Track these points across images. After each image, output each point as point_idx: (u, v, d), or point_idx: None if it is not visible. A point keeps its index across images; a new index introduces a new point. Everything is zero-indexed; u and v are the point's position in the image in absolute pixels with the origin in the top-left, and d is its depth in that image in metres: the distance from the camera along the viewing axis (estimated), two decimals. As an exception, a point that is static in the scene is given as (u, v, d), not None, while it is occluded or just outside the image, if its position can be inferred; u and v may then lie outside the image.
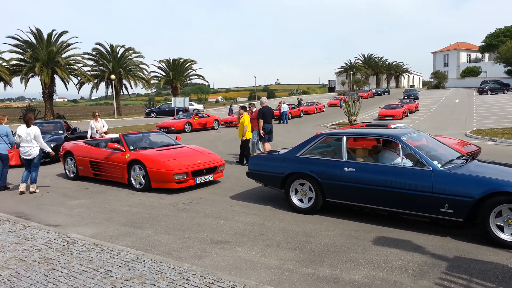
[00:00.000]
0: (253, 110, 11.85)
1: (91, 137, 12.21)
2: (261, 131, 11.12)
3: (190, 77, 56.31)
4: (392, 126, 10.43)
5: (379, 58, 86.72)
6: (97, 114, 12.92)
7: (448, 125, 23.19)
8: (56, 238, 5.22)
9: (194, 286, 3.74)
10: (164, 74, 52.83)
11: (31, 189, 8.33)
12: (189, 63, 53.82)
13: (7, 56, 47.62)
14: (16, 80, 38.67)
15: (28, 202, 7.66)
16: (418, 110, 34.91)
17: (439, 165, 5.35)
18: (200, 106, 44.64)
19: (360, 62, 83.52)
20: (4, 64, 36.88)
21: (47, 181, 9.52)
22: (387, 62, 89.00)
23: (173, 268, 4.18)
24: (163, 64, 52.55)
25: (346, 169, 5.91)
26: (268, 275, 4.20)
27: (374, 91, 63.01)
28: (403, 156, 5.67)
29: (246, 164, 10.81)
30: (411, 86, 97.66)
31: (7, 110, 71.41)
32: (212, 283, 3.80)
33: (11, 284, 3.82)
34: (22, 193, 8.26)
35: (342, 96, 39.53)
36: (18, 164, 8.40)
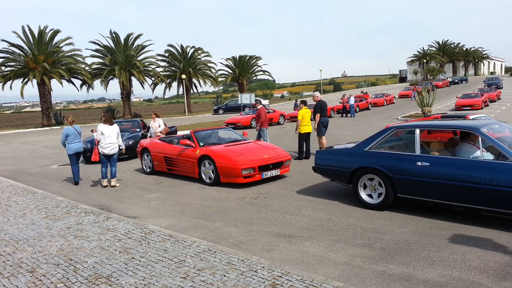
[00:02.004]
0: (258, 107, 12.15)
1: (150, 136, 12.51)
2: (315, 126, 11.33)
3: (256, 73, 56.89)
4: (471, 117, 9.74)
5: (455, 44, 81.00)
6: (152, 114, 13.10)
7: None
8: (135, 229, 5.60)
9: (263, 278, 3.82)
10: (230, 71, 53.98)
11: (112, 183, 9.01)
12: (254, 60, 54.41)
13: (89, 60, 51.65)
14: (97, 82, 41.80)
15: (109, 195, 8.29)
16: (500, 99, 32.17)
17: (525, 159, 4.91)
18: (265, 102, 45.01)
19: (434, 49, 78.61)
20: (87, 68, 40.04)
21: (126, 176, 10.22)
22: (464, 48, 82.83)
23: (242, 260, 4.29)
24: (230, 62, 53.70)
25: (419, 163, 5.63)
26: (336, 270, 4.15)
27: (450, 79, 59.09)
28: (483, 149, 5.28)
29: (299, 157, 11.10)
30: (492, 73, 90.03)
31: (90, 110, 77.59)
32: (280, 276, 3.84)
33: (96, 271, 4.18)
34: (105, 187, 8.97)
35: (415, 87, 37.52)
36: (97, 160, 9.11)
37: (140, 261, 4.41)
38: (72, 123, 9.31)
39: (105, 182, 9.02)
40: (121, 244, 4.99)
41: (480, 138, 5.28)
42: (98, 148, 8.92)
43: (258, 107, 12.24)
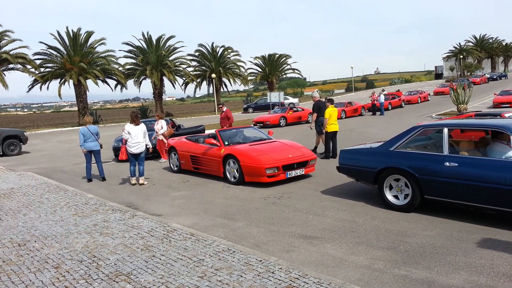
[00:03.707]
0: (223, 110, 12.50)
1: (154, 138, 12.28)
2: (312, 125, 11.76)
3: (286, 72, 56.69)
4: (507, 115, 9.27)
5: (494, 39, 77.59)
6: (156, 115, 12.79)
7: None
8: (158, 227, 5.69)
9: (279, 279, 3.78)
10: (260, 70, 54.01)
11: (140, 181, 9.21)
12: (284, 58, 54.21)
13: (122, 61, 52.99)
14: (130, 82, 42.95)
15: (137, 192, 8.48)
16: (543, 96, 30.44)
17: (562, 160, 4.62)
18: (295, 100, 44.73)
19: (472, 44, 75.62)
20: (120, 68, 41.16)
21: (154, 174, 10.42)
22: (503, 43, 79.18)
23: (260, 260, 4.27)
24: (259, 61, 53.73)
25: (447, 163, 5.41)
26: (356, 274, 4.05)
27: (488, 76, 56.66)
28: (517, 149, 5.01)
29: (326, 156, 11.08)
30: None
31: (125, 109, 79.77)
32: (297, 278, 3.79)
33: (117, 268, 4.28)
34: (133, 185, 9.18)
35: (451, 83, 36.21)
36: (126, 159, 9.39)
37: (160, 259, 4.47)
38: (86, 124, 9.75)
39: (133, 180, 9.23)
40: (144, 242, 5.08)
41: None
42: (126, 147, 9.18)
43: (224, 110, 12.65)
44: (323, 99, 12.85)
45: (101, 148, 9.85)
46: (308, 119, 24.60)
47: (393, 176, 6.10)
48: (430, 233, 5.06)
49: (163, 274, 4.06)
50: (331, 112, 11.10)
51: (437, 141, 5.93)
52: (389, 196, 6.18)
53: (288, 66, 55.27)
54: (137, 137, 8.99)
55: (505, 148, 5.34)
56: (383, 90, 29.47)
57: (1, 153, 16.50)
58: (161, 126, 12.33)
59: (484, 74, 58.53)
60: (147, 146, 9.29)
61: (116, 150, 12.89)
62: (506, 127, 5.17)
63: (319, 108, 11.47)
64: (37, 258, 4.69)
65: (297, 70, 57.08)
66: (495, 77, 56.75)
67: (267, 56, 53.38)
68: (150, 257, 4.54)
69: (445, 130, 5.67)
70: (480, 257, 4.23)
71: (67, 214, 6.64)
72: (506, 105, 24.78)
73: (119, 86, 41.59)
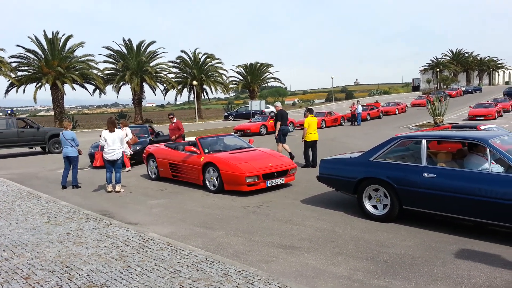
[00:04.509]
0: (174, 121, 12.94)
1: None
2: (276, 133, 11.86)
3: (267, 80, 57.04)
4: (482, 128, 9.52)
5: (469, 53, 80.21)
6: (120, 122, 12.17)
7: (552, 126, 20.56)
8: (134, 236, 5.54)
9: (258, 291, 3.70)
10: (242, 78, 54.18)
11: (117, 189, 9.00)
12: (265, 67, 54.56)
13: (101, 66, 52.21)
14: (109, 88, 42.35)
15: (113, 200, 8.26)
16: (515, 109, 31.52)
17: (536, 172, 4.73)
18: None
19: (448, 58, 77.94)
20: (99, 73, 40.56)
21: (131, 182, 10.20)
22: (478, 58, 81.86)
23: (239, 271, 4.18)
24: (241, 69, 53.91)
25: (425, 174, 5.47)
26: (336, 285, 4.01)
27: (463, 89, 58.34)
28: (492, 161, 5.11)
29: (306, 165, 11.18)
30: (507, 82, 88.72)
31: (103, 115, 78.38)
32: (276, 289, 3.72)
33: (90, 279, 4.11)
34: (109, 192, 8.96)
35: (428, 95, 37.06)
36: (102, 165, 9.21)
37: (135, 269, 4.33)
38: (66, 129, 9.58)
39: (109, 188, 9.01)
40: (119, 251, 4.92)
41: (488, 149, 5.11)
42: (102, 154, 8.98)
43: (174, 121, 12.98)
44: (304, 108, 12.98)
45: (80, 154, 9.58)
46: (289, 128, 24.66)
47: (372, 186, 6.13)
48: (408, 244, 5.08)
49: (138, 285, 3.92)
50: (310, 122, 11.16)
51: (416, 152, 6.00)
52: (368, 206, 6.21)
53: (270, 75, 55.72)
54: (114, 144, 8.80)
55: (481, 160, 5.44)
56: (357, 101, 29.98)
57: (47, 151, 17.91)
58: (126, 134, 12.06)
59: (460, 87, 60.19)
60: (125, 153, 9.10)
61: (92, 157, 12.60)
62: (482, 139, 5.27)
63: (282, 117, 11.80)
64: (5, 269, 4.46)
65: (278, 79, 57.62)
66: (470, 90, 58.48)
67: (249, 64, 53.61)
68: (125, 268, 4.38)
69: (424, 141, 5.74)
70: (458, 268, 4.26)
71: (39, 222, 6.39)
72: (481, 118, 25.51)
73: (97, 91, 40.94)
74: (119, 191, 8.98)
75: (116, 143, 8.83)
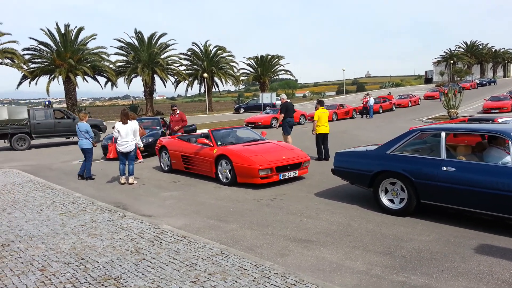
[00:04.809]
0: (177, 113, 12.48)
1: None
2: (278, 125, 12.12)
3: (278, 73, 56.70)
4: (500, 120, 9.28)
5: (483, 45, 78.70)
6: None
7: None
8: (148, 228, 5.52)
9: (275, 285, 3.65)
10: (252, 70, 53.94)
11: (130, 181, 9.01)
12: (276, 59, 54.23)
13: (113, 58, 52.46)
14: (121, 80, 42.47)
15: (126, 192, 8.28)
16: (531, 102, 30.88)
17: (560, 166, 4.59)
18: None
19: (462, 50, 76.58)
20: (111, 66, 40.72)
21: (144, 174, 10.22)
22: (493, 49, 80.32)
23: (255, 265, 4.14)
24: (252, 61, 53.66)
25: (444, 168, 5.34)
26: (354, 280, 3.94)
27: (477, 81, 57.36)
28: (515, 155, 4.96)
29: (318, 158, 11.11)
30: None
31: (114, 107, 78.87)
32: (293, 284, 3.67)
33: (106, 271, 4.10)
34: (123, 184, 8.98)
35: (442, 88, 36.50)
36: (115, 157, 9.23)
37: (151, 262, 4.31)
38: (81, 120, 9.62)
39: (122, 179, 9.03)
40: (133, 244, 4.91)
41: (510, 142, 4.96)
42: (115, 146, 8.99)
43: (177, 112, 12.53)
44: (315, 101, 12.94)
45: (94, 146, 9.62)
46: (300, 120, 24.53)
47: (389, 180, 6.02)
48: (426, 238, 4.97)
49: (154, 278, 3.90)
50: (320, 114, 11.03)
51: (434, 145, 5.86)
52: (384, 200, 6.10)
53: (281, 67, 55.37)
54: (127, 136, 8.80)
55: (502, 154, 5.30)
56: (368, 94, 29.58)
57: None
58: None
59: (474, 80, 59.22)
60: (138, 145, 9.09)
61: (105, 149, 12.66)
62: (505, 132, 5.11)
63: (287, 109, 11.83)
64: (21, 260, 4.48)
65: (289, 71, 57.65)
66: (484, 82, 57.48)
67: (259, 56, 53.33)
68: (140, 260, 4.37)
69: (443, 134, 5.60)
70: (478, 264, 4.15)
71: (54, 213, 6.42)
72: (496, 110, 25.04)
73: (109, 84, 41.13)
74: (132, 183, 9.00)
75: (130, 135, 8.83)
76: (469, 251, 4.51)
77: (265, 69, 52.95)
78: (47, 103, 19.89)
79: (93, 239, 5.13)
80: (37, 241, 5.10)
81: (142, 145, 9.40)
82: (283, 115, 11.83)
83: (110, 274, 4.03)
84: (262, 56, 53.30)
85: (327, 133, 11.13)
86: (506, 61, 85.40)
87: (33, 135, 17.60)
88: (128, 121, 8.90)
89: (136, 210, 6.82)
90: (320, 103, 11.51)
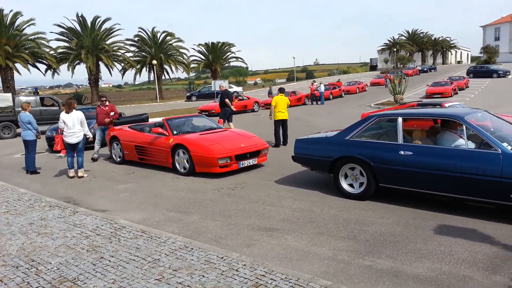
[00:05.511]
0: (107, 104, 10.54)
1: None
2: (232, 110, 12.53)
3: (229, 60, 56.17)
4: (447, 105, 9.74)
5: (424, 34, 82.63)
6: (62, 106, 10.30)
7: (502, 102, 21.56)
8: (104, 224, 5.21)
9: (245, 278, 3.55)
10: (203, 57, 52.99)
11: (79, 174, 8.50)
12: (227, 46, 53.60)
13: (54, 44, 49.41)
14: (63, 67, 40.13)
15: (76, 186, 7.80)
16: (468, 87, 33.00)
17: (509, 147, 4.84)
18: (239, 89, 44.49)
19: (404, 38, 79.90)
20: (52, 52, 38.27)
21: (94, 166, 9.69)
22: (433, 38, 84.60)
23: (222, 257, 4.01)
24: (202, 48, 52.67)
25: (402, 152, 5.48)
26: (322, 266, 3.94)
27: (419, 68, 60.23)
28: (466, 138, 5.17)
29: (276, 145, 11.12)
30: (459, 62, 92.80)
31: (56, 96, 74.70)
32: (263, 275, 3.59)
33: (60, 273, 3.80)
34: (72, 177, 8.45)
35: (387, 75, 37.95)
36: (61, 149, 8.68)
37: (109, 261, 4.05)
38: (24, 110, 8.90)
39: (71, 173, 8.49)
40: (89, 241, 4.60)
41: (464, 126, 5.16)
42: (62, 137, 8.43)
43: (107, 103, 10.60)
44: (271, 88, 13.28)
45: (38, 138, 8.94)
46: (254, 107, 24.51)
47: (349, 165, 6.10)
48: (387, 221, 5.09)
49: (115, 278, 3.66)
50: (277, 100, 11.09)
51: (391, 130, 5.99)
52: (344, 184, 6.18)
53: (232, 55, 54.82)
54: (74, 126, 8.25)
55: (455, 137, 5.51)
56: (314, 81, 30.52)
57: None
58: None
59: (416, 67, 62.09)
60: (86, 136, 8.57)
61: (50, 140, 11.89)
62: (458, 116, 5.31)
63: (228, 96, 12.60)
64: (-39, 266, 4.05)
65: (241, 58, 56.88)
66: (425, 69, 60.41)
67: (210, 43, 52.44)
68: (98, 259, 4.09)
69: (400, 119, 5.73)
70: (439, 244, 4.30)
71: (-4, 212, 5.89)
72: (438, 96, 26.44)
73: (50, 71, 38.70)
74: (82, 176, 8.50)
75: (76, 125, 8.29)
76: (429, 232, 4.67)
77: (216, 56, 52.20)
78: (34, 90, 19.12)
79: (44, 238, 4.75)
80: (-22, 244, 4.64)
81: (91, 136, 8.88)
82: (228, 100, 12.37)
83: (65, 276, 3.73)
84: (213, 43, 52.46)
85: (286, 119, 11.17)
86: (445, 49, 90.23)
87: (18, 123, 16.40)
88: (74, 110, 8.35)
89: (89, 205, 6.43)
90: (281, 90, 11.76)
